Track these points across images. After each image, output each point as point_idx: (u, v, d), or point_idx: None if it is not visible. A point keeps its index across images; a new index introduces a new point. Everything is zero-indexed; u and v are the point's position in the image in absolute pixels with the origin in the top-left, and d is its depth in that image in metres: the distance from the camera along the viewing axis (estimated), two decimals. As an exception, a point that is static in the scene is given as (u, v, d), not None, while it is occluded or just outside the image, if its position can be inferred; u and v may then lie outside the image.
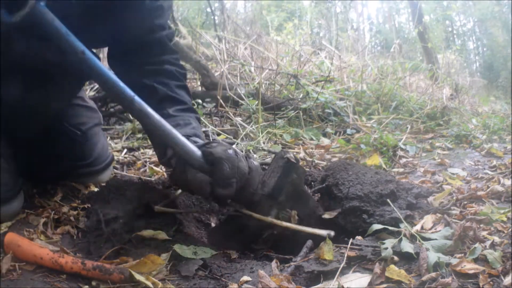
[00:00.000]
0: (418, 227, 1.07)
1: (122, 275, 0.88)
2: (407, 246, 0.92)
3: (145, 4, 1.17)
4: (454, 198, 1.29)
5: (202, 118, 2.62)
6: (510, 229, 0.99)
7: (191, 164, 1.01)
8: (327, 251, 0.94)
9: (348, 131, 2.71)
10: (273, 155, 2.06)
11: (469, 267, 0.83)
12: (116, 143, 2.33)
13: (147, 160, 1.95)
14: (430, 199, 1.29)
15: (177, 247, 0.99)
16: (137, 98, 1.00)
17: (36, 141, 1.27)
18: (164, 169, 1.81)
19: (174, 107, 1.22)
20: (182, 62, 1.38)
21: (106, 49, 1.39)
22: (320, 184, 1.36)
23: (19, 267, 0.88)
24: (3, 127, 1.11)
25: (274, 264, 0.94)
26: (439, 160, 1.98)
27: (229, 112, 2.89)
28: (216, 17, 6.27)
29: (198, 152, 1.02)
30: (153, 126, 1.01)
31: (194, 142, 1.08)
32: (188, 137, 1.08)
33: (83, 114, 1.45)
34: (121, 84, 0.99)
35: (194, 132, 1.17)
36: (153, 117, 1.00)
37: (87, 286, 0.87)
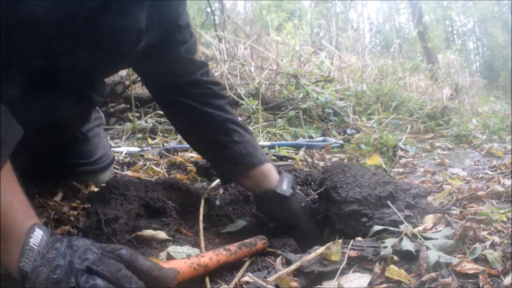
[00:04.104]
0: (420, 227, 1.07)
1: (264, 241, 1.02)
2: (407, 245, 0.92)
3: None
4: (454, 198, 1.29)
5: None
6: (510, 229, 0.99)
7: None
8: (336, 252, 0.93)
9: (348, 131, 2.72)
10: (272, 155, 2.06)
11: (469, 267, 0.83)
12: (116, 143, 2.32)
13: (147, 160, 1.95)
14: (430, 199, 1.29)
15: (171, 249, 0.99)
16: None
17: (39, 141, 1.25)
18: (164, 169, 1.81)
19: (236, 132, 1.23)
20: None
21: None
22: (318, 187, 1.35)
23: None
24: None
25: (279, 260, 0.94)
26: (439, 160, 1.98)
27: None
28: (216, 17, 6.26)
29: None
30: None
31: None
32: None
33: None
34: None
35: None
36: None
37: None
